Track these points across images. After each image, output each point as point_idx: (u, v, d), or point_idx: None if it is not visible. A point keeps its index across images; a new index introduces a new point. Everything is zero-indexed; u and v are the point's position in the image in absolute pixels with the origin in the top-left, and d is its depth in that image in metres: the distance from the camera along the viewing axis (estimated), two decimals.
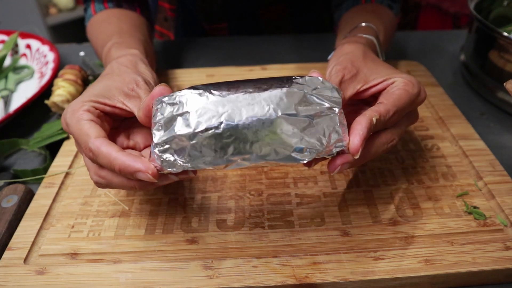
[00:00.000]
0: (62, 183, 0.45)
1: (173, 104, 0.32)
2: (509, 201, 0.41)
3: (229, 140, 0.30)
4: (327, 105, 0.32)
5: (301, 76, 0.33)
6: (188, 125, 0.31)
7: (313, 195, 0.43)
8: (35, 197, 0.43)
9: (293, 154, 0.31)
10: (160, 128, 0.31)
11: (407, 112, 0.37)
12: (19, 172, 0.48)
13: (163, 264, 0.37)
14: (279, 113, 0.31)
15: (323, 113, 0.32)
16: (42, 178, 0.46)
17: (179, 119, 0.31)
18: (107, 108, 0.36)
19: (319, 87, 0.33)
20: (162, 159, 0.31)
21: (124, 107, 0.36)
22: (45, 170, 0.47)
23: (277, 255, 0.37)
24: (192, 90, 0.32)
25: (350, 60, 0.39)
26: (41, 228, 0.40)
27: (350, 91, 0.38)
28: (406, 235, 0.38)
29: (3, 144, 0.51)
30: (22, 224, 0.40)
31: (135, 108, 0.36)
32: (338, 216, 0.40)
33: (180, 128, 0.31)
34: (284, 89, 0.32)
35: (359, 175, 0.45)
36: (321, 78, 0.33)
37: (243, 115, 0.30)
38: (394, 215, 0.40)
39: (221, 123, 0.30)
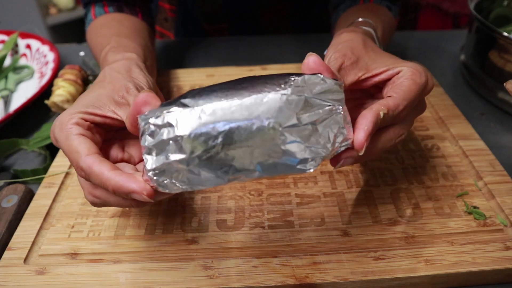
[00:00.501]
0: (62, 183, 0.45)
1: (161, 126, 0.29)
2: (509, 201, 0.41)
3: (228, 161, 0.28)
4: (329, 106, 0.30)
5: (299, 75, 0.31)
6: (182, 150, 0.28)
7: (313, 195, 0.43)
8: (35, 197, 0.43)
9: (298, 166, 0.29)
10: (152, 153, 0.29)
11: (416, 103, 0.35)
12: (19, 172, 0.48)
13: (163, 264, 0.37)
14: (281, 128, 0.28)
15: (326, 115, 0.30)
16: (42, 178, 0.46)
17: (172, 143, 0.28)
18: (97, 119, 0.34)
19: (319, 87, 0.30)
20: (158, 182, 0.29)
21: (114, 116, 0.34)
22: (45, 170, 0.47)
23: (277, 255, 0.37)
24: (181, 108, 0.29)
25: (349, 47, 0.37)
26: (41, 228, 0.40)
27: (350, 77, 0.35)
28: (406, 235, 0.38)
29: (3, 144, 0.51)
30: (22, 224, 0.40)
31: (125, 116, 0.34)
32: (338, 216, 0.40)
33: (173, 153, 0.28)
34: (284, 96, 0.29)
35: (359, 175, 0.45)
36: (321, 75, 0.31)
37: (241, 135, 0.28)
38: (394, 215, 0.40)
39: (219, 144, 0.28)
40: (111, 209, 0.42)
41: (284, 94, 0.29)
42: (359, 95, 0.39)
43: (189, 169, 0.28)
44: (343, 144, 0.30)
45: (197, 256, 0.37)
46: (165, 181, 0.29)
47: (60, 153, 0.49)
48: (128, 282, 0.35)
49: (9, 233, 0.40)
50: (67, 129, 0.33)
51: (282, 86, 0.30)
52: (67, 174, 0.46)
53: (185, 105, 0.29)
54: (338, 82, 0.31)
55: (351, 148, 0.31)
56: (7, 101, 0.61)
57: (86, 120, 0.34)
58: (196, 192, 0.43)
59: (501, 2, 0.64)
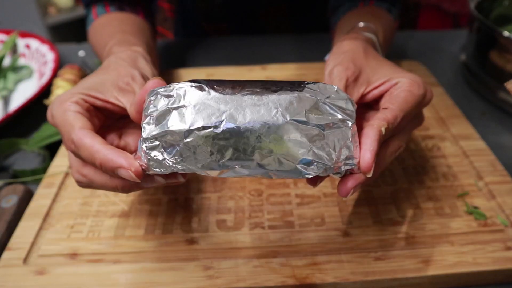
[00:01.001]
0: (62, 183, 0.45)
1: (169, 96, 0.29)
2: (510, 201, 0.41)
3: (228, 142, 0.27)
4: (340, 116, 0.29)
5: (314, 82, 0.31)
6: (183, 121, 0.28)
7: (313, 195, 0.43)
8: (35, 197, 0.43)
9: (299, 166, 0.28)
10: (151, 121, 0.28)
11: (414, 115, 0.35)
12: (18, 172, 0.48)
13: (163, 265, 0.36)
14: (288, 118, 0.28)
15: (335, 124, 0.29)
16: (41, 178, 0.46)
17: (174, 113, 0.28)
18: (98, 102, 0.34)
19: (333, 96, 0.30)
20: (149, 157, 0.28)
21: (117, 102, 0.34)
22: (44, 170, 0.47)
23: (277, 255, 0.37)
24: (192, 83, 0.29)
25: (351, 59, 0.37)
26: (40, 228, 0.40)
27: (355, 95, 0.35)
28: (407, 235, 0.38)
29: (2, 144, 0.51)
30: (22, 224, 0.40)
31: (128, 103, 0.33)
32: (338, 216, 0.40)
33: (174, 123, 0.28)
34: (296, 93, 0.29)
35: None
36: (335, 87, 0.31)
37: (246, 116, 0.27)
38: (395, 215, 0.40)
39: (221, 122, 0.27)
40: (111, 209, 0.42)
41: (297, 91, 0.29)
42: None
43: (185, 142, 0.28)
44: (348, 162, 0.29)
45: (197, 256, 0.37)
46: (157, 156, 0.28)
47: (60, 153, 0.49)
48: (128, 283, 0.35)
49: (9, 233, 0.40)
50: (65, 106, 0.32)
51: (296, 85, 0.30)
52: (66, 174, 0.46)
53: (197, 82, 0.29)
54: (351, 99, 0.31)
55: (356, 173, 0.29)
56: (6, 101, 0.61)
57: (86, 102, 0.33)
58: (196, 192, 0.43)
59: (501, 2, 0.64)
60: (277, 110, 0.28)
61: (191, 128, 0.27)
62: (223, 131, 0.27)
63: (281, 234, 0.39)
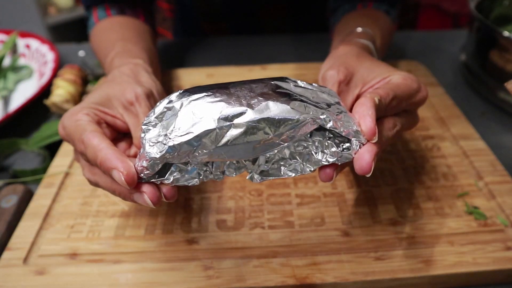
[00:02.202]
0: (62, 183, 0.45)
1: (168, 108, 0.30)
2: (510, 201, 0.41)
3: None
4: (320, 88, 0.32)
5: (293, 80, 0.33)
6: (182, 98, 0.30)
7: (313, 195, 0.43)
8: (35, 197, 0.43)
9: (290, 106, 0.28)
10: (158, 105, 0.30)
11: (407, 107, 0.35)
12: (18, 172, 0.48)
13: (163, 265, 0.36)
14: (273, 82, 0.31)
15: (327, 95, 0.31)
16: (41, 178, 0.46)
17: (179, 94, 0.30)
18: (108, 118, 0.35)
19: (313, 84, 0.33)
20: (148, 142, 0.28)
21: (123, 119, 0.36)
22: (44, 170, 0.47)
23: (277, 255, 0.37)
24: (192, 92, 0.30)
25: (343, 63, 0.37)
26: (40, 228, 0.40)
27: (350, 97, 0.36)
28: (407, 235, 0.38)
29: (2, 144, 0.51)
30: (22, 224, 0.40)
31: (133, 126, 0.35)
32: (338, 216, 0.40)
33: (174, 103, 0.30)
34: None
35: (359, 175, 0.45)
36: (315, 84, 0.33)
37: (236, 84, 0.30)
38: (395, 215, 0.40)
39: (216, 85, 0.31)
40: (111, 209, 0.42)
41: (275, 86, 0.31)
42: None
43: (186, 107, 0.29)
44: (345, 119, 0.29)
45: (197, 256, 0.37)
46: (156, 137, 0.28)
47: (60, 153, 0.49)
48: (128, 283, 0.35)
49: (9, 233, 0.40)
50: (77, 116, 0.33)
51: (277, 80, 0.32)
52: (66, 174, 0.46)
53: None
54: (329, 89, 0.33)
55: (361, 143, 0.29)
56: (6, 101, 0.61)
57: (96, 115, 0.35)
58: (196, 192, 0.43)
59: (501, 2, 0.64)
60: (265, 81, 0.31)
61: (191, 99, 0.29)
62: (220, 85, 0.30)
63: (281, 234, 0.39)
